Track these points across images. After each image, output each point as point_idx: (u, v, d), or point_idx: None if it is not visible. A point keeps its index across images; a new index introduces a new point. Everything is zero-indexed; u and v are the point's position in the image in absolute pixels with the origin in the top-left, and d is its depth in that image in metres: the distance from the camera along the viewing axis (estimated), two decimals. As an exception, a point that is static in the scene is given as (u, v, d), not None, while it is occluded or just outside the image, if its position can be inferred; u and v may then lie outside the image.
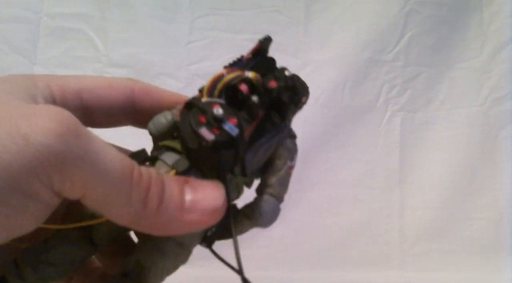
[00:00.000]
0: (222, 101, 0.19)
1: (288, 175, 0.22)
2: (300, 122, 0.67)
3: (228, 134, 0.18)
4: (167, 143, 0.21)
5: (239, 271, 0.20)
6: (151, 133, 0.22)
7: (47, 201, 0.16)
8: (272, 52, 0.22)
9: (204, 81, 0.20)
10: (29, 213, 0.16)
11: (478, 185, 0.65)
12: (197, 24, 0.64)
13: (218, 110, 0.19)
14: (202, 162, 0.19)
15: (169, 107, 0.22)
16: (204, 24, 0.64)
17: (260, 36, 0.22)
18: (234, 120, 0.19)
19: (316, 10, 0.65)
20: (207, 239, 0.22)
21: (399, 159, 0.65)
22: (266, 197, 0.22)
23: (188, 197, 0.19)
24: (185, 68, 0.64)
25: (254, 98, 0.20)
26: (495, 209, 0.65)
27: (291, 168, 0.23)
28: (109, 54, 0.65)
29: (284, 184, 0.22)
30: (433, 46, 0.66)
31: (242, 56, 0.22)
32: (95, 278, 0.25)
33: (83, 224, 0.20)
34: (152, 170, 0.18)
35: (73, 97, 0.21)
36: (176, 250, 0.21)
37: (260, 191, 0.22)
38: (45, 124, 0.16)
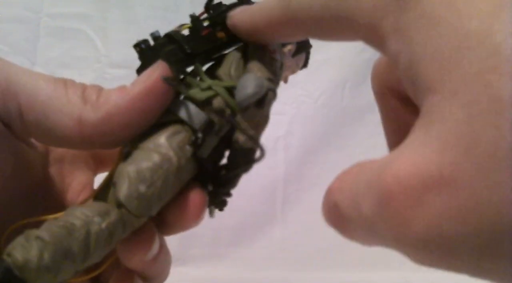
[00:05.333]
0: None
1: (269, 58, 0.21)
2: (300, 122, 0.67)
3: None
4: None
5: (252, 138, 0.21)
6: None
7: None
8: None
9: None
10: None
11: (478, 185, 0.65)
12: (197, 24, 0.64)
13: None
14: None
15: None
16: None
17: None
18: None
19: (316, 10, 0.65)
20: (200, 150, 0.21)
21: (399, 159, 0.65)
22: (243, 76, 0.21)
23: (129, 84, 0.20)
24: (185, 68, 0.64)
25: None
26: (495, 209, 0.65)
27: (271, 52, 0.22)
28: (109, 54, 0.64)
29: (266, 64, 0.21)
30: (433, 46, 0.65)
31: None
32: None
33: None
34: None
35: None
36: (143, 154, 0.20)
37: None
38: None
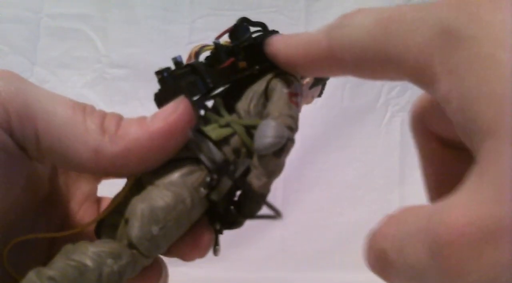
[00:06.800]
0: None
1: (288, 102, 0.21)
2: (300, 123, 0.67)
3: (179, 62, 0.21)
4: None
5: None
6: None
7: None
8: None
9: None
10: None
11: (478, 185, 0.65)
12: (197, 25, 0.64)
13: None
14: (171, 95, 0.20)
15: None
16: (204, 24, 0.64)
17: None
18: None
19: (316, 10, 0.65)
20: (214, 193, 0.21)
21: (399, 159, 0.65)
22: (263, 121, 0.20)
23: (149, 117, 0.19)
24: (185, 68, 0.64)
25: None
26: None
27: (290, 94, 0.21)
28: (109, 55, 0.64)
29: (285, 109, 0.21)
30: (433, 46, 0.66)
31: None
32: None
33: None
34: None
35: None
36: (157, 191, 0.19)
37: None
38: None
